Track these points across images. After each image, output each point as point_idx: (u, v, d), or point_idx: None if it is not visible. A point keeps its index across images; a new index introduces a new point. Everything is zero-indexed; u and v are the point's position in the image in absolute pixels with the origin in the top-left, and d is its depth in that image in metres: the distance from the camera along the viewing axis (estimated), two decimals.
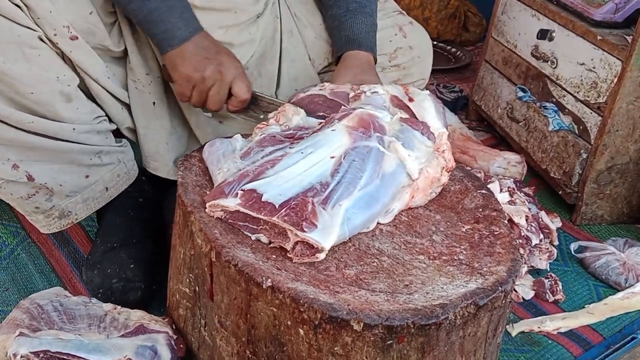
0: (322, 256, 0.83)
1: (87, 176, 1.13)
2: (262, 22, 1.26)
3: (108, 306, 0.99)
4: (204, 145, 1.01)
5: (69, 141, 1.08)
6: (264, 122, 1.02)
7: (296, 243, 0.83)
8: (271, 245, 0.85)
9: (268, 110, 1.15)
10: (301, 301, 0.76)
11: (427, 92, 1.04)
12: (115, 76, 1.17)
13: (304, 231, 0.81)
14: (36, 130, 1.04)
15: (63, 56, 1.08)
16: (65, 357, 0.86)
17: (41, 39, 1.03)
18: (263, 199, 0.84)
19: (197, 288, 0.91)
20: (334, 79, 1.20)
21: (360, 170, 0.89)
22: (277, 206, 0.83)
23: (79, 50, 1.08)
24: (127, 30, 1.15)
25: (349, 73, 1.18)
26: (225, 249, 0.82)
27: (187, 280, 0.92)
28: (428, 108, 1.01)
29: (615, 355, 1.14)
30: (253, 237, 0.86)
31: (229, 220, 0.87)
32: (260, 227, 0.85)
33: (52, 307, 0.96)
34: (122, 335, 0.93)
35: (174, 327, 0.98)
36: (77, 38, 1.06)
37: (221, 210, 0.87)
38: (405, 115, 0.99)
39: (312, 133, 0.96)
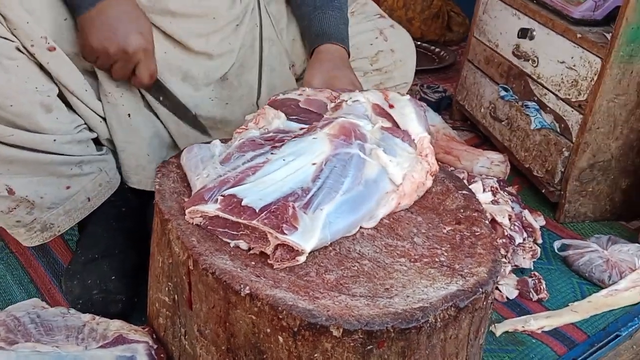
0: (302, 259, 0.82)
1: (68, 187, 1.11)
2: (241, 30, 1.24)
3: (86, 317, 0.98)
4: (182, 151, 1.00)
5: (50, 152, 1.06)
6: (243, 127, 1.01)
7: (276, 247, 0.82)
8: (251, 251, 0.85)
9: (169, 99, 1.18)
10: (280, 308, 0.75)
11: (408, 97, 1.03)
12: (91, 88, 1.15)
13: (284, 233, 0.80)
14: (16, 142, 1.02)
15: (40, 66, 1.06)
16: None
17: (18, 49, 1.02)
18: (243, 204, 0.84)
19: (176, 297, 0.89)
20: (307, 76, 1.18)
21: (342, 176, 0.89)
22: (257, 210, 0.83)
23: (56, 62, 1.06)
24: None
25: (323, 68, 1.16)
26: (203, 256, 0.81)
27: (166, 288, 0.91)
28: (409, 114, 1.00)
29: (600, 354, 1.14)
30: (232, 244, 0.85)
31: (209, 227, 0.86)
32: (241, 232, 0.84)
33: (29, 319, 0.94)
34: (101, 346, 0.92)
35: (154, 336, 0.97)
36: (54, 49, 1.05)
37: (200, 216, 0.86)
38: (387, 124, 0.99)
39: (293, 137, 0.95)
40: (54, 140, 1.06)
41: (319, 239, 0.83)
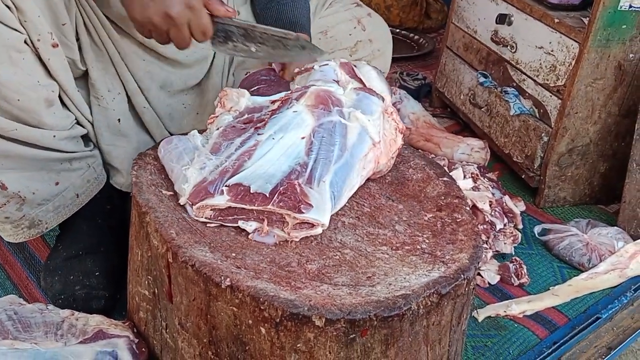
0: (319, 231, 0.86)
1: (57, 183, 1.09)
2: None
3: (65, 312, 0.96)
4: (158, 143, 0.98)
5: (46, 148, 1.05)
6: (213, 115, 1.00)
7: (294, 225, 0.84)
8: (259, 232, 0.85)
9: (262, 41, 1.05)
10: (261, 299, 0.74)
11: (364, 62, 1.08)
12: (80, 93, 1.13)
13: (302, 213, 0.84)
14: (17, 137, 1.01)
15: (39, 61, 1.03)
16: None
17: (25, 42, 0.99)
18: (252, 191, 0.85)
19: (156, 290, 0.88)
20: (289, 64, 1.16)
21: (331, 144, 0.91)
22: (267, 194, 0.85)
23: (57, 59, 1.04)
24: (87, 45, 1.11)
25: None
26: (182, 249, 0.80)
27: (146, 282, 0.90)
28: (370, 71, 1.05)
29: (581, 336, 1.15)
30: (239, 223, 0.86)
31: (219, 218, 0.86)
32: (252, 217, 0.85)
33: (6, 315, 0.92)
34: (81, 342, 0.90)
35: (135, 330, 0.95)
36: (57, 46, 1.03)
37: (211, 210, 0.86)
38: (356, 84, 1.02)
39: (272, 114, 0.96)
40: (54, 136, 1.05)
41: (331, 210, 0.87)
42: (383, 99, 1.01)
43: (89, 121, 1.14)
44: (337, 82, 1.01)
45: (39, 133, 1.03)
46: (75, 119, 1.12)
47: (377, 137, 0.95)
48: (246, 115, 0.98)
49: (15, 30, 0.97)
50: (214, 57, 1.25)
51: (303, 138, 0.91)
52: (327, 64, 1.04)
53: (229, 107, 1.00)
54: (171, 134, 1.22)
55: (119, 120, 1.15)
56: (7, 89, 0.96)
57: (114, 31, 1.11)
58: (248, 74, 1.16)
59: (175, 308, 0.84)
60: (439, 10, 2.58)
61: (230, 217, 0.86)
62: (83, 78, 1.13)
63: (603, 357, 1.13)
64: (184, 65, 1.20)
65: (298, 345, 0.76)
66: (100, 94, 1.13)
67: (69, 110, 1.10)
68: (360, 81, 1.03)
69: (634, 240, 1.37)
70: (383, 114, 0.99)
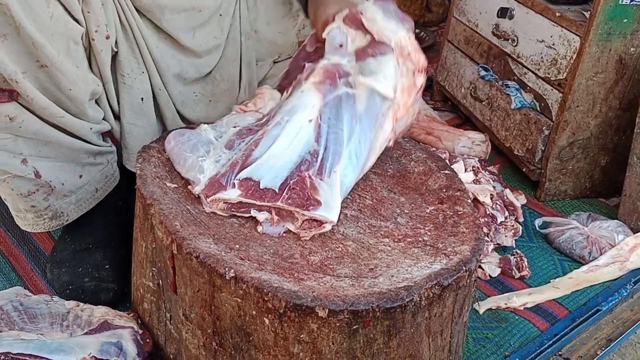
0: (329, 227, 0.86)
1: (80, 176, 1.10)
2: (225, 22, 1.23)
3: (70, 304, 0.97)
4: (165, 135, 0.99)
5: (82, 139, 1.06)
6: (242, 107, 1.01)
7: (304, 221, 0.85)
8: (273, 222, 0.86)
9: None
10: (265, 290, 0.75)
11: (372, 1, 0.99)
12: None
13: (309, 210, 0.84)
14: (62, 125, 1.02)
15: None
16: (27, 358, 0.84)
17: (81, 36, 1.01)
18: (262, 186, 0.85)
19: (160, 281, 0.89)
20: (317, 14, 1.10)
21: (339, 124, 0.90)
22: (277, 190, 0.85)
23: (106, 50, 1.06)
24: (117, 24, 1.11)
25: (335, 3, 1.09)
26: (187, 241, 0.81)
27: (150, 273, 0.91)
28: (375, 14, 0.97)
29: (581, 328, 1.16)
30: (252, 212, 0.86)
31: (232, 210, 0.87)
32: (265, 210, 0.86)
33: (12, 307, 0.93)
34: (86, 333, 0.91)
35: (139, 321, 0.96)
36: (109, 38, 1.04)
37: (223, 203, 0.87)
38: (362, 40, 0.96)
39: (283, 100, 0.96)
40: (90, 128, 1.06)
41: (340, 203, 0.87)
42: (389, 49, 0.93)
43: (114, 112, 1.14)
44: (343, 45, 0.96)
45: (79, 123, 1.04)
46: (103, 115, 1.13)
47: (390, 93, 0.91)
48: (265, 119, 0.98)
49: (77, 21, 0.98)
50: (225, 46, 1.26)
51: (310, 121, 0.90)
52: (332, 28, 0.99)
53: (259, 107, 1.00)
54: (182, 119, 1.24)
55: (142, 99, 1.16)
56: (64, 77, 0.98)
57: (137, 13, 1.12)
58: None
59: (180, 299, 0.85)
60: (440, 3, 2.58)
61: (242, 209, 0.87)
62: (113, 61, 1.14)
63: (603, 349, 1.14)
64: (197, 54, 1.20)
65: (301, 335, 0.76)
66: (126, 72, 1.14)
67: (99, 106, 1.12)
68: (365, 29, 0.96)
69: (634, 233, 1.38)
70: (398, 59, 0.92)
